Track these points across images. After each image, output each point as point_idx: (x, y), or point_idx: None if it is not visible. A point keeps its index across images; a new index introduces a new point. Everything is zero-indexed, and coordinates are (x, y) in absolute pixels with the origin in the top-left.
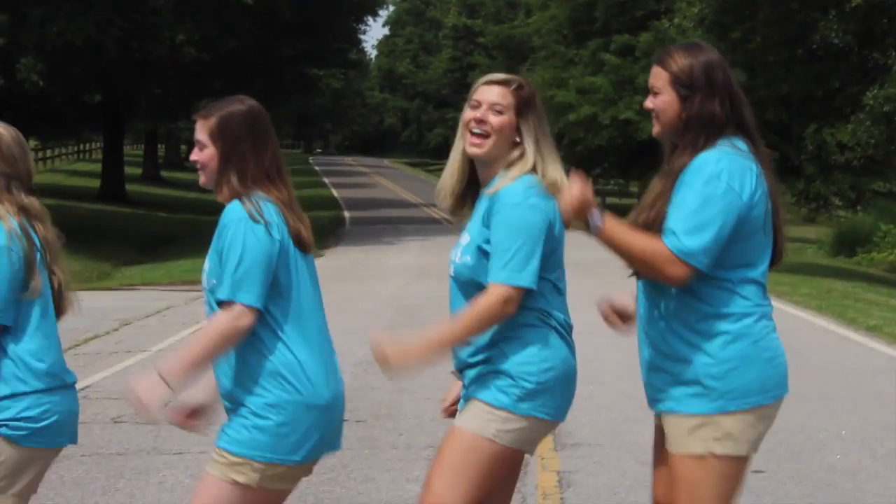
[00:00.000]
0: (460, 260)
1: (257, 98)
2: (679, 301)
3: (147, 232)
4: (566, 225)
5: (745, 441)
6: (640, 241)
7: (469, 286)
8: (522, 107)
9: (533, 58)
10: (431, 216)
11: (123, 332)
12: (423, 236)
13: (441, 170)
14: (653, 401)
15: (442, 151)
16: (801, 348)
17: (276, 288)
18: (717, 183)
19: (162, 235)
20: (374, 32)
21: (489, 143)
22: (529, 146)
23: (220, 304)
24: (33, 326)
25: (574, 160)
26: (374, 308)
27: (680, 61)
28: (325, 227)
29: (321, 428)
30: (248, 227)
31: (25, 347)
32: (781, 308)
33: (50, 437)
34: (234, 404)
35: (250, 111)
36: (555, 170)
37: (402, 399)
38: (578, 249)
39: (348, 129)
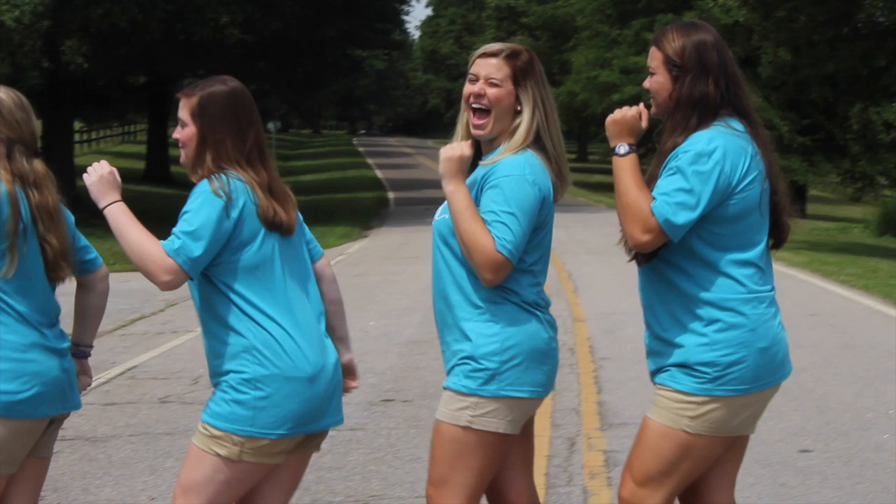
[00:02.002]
0: (440, 216)
1: (301, 79)
2: (676, 286)
3: None
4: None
5: (726, 424)
6: (634, 190)
7: (444, 245)
8: (519, 75)
9: (576, 38)
10: None
11: (169, 313)
12: None
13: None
14: (653, 375)
15: None
16: (847, 328)
17: (244, 267)
18: (707, 161)
19: None
20: (417, 13)
21: (490, 120)
22: (527, 114)
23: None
24: (14, 294)
25: None
26: (418, 288)
27: (673, 42)
28: (369, 208)
29: (303, 401)
30: (207, 197)
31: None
32: (828, 288)
33: (30, 408)
34: (216, 378)
35: (232, 92)
36: (554, 133)
37: None
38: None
39: (392, 111)
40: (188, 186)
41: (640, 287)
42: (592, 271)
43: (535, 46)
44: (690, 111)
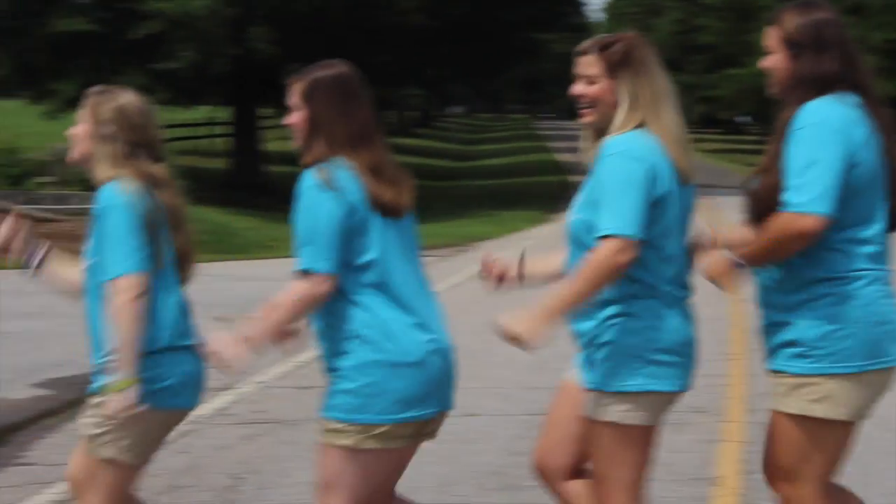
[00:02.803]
0: (573, 217)
1: (484, 64)
2: (789, 263)
3: None
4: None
5: (846, 405)
6: (765, 238)
7: (577, 245)
8: (613, 68)
9: (760, 19)
10: None
11: None
12: None
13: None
14: (766, 359)
15: None
16: None
17: (356, 253)
18: (822, 129)
19: None
20: None
21: (595, 112)
22: (622, 108)
23: (300, 274)
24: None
25: None
26: None
27: (791, 20)
28: (552, 191)
29: (415, 385)
30: (317, 195)
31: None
32: None
33: (167, 399)
34: (328, 371)
35: (339, 76)
36: (664, 120)
37: None
38: None
39: None
40: None
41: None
42: None
43: (718, 29)
44: (808, 89)
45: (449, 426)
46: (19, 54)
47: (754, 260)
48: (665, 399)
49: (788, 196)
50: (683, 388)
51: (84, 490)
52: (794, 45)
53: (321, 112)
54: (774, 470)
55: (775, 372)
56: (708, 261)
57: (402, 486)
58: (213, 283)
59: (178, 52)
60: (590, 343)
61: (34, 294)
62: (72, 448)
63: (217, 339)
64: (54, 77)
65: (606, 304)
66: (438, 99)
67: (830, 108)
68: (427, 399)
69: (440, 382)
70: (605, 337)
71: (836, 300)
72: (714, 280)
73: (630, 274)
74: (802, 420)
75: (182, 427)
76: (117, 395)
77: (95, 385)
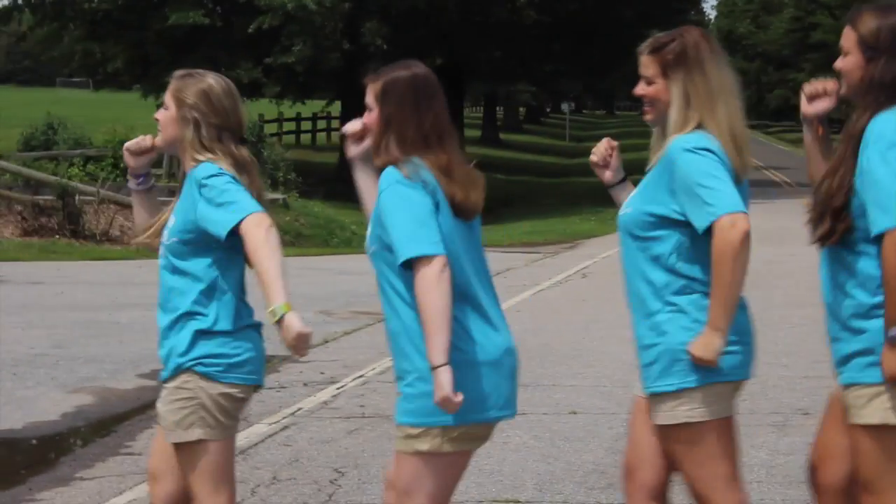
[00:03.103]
0: (624, 210)
1: (596, 61)
2: (859, 272)
3: (486, 194)
4: None
5: None
6: (889, 287)
7: (630, 238)
8: (666, 69)
9: None
10: (772, 179)
11: None
12: (764, 199)
13: (781, 132)
14: (836, 372)
15: (782, 113)
16: None
17: None
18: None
19: (500, 198)
20: None
21: (654, 111)
22: (673, 108)
23: (408, 264)
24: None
25: None
26: None
27: (868, 23)
28: None
29: (492, 384)
30: (404, 187)
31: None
32: None
33: (242, 374)
34: (401, 375)
35: (414, 77)
36: (721, 117)
37: None
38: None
39: None
40: (484, 167)
41: (823, 270)
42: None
43: (834, 27)
44: (881, 93)
45: (552, 424)
46: (134, 47)
47: None
48: (729, 388)
49: (881, 222)
50: (745, 377)
51: (193, 479)
52: (869, 49)
53: (394, 112)
54: (866, 486)
55: (849, 385)
56: (886, 363)
57: (505, 484)
58: (319, 277)
59: (292, 46)
60: (643, 346)
61: (144, 285)
62: None
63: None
64: (168, 70)
65: (652, 303)
66: (550, 95)
67: None
68: (503, 399)
69: (512, 382)
70: (656, 338)
71: None
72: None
73: (679, 271)
74: (883, 430)
75: (285, 420)
76: (288, 321)
77: (168, 370)
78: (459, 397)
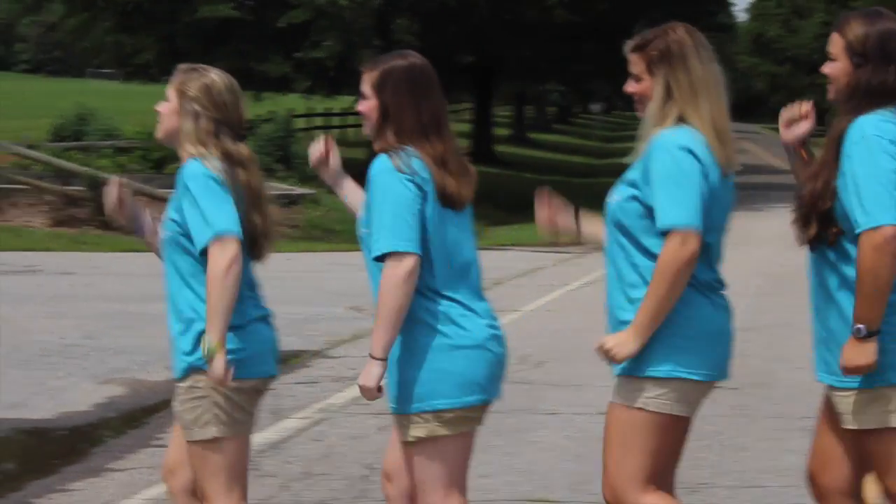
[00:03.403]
0: (612, 199)
1: (625, 61)
2: (847, 274)
3: (515, 192)
4: None
5: None
6: (862, 286)
7: (615, 227)
8: (651, 66)
9: None
10: None
11: (496, 292)
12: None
13: (814, 136)
14: (821, 373)
15: None
16: None
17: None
18: (880, 142)
19: (529, 197)
20: None
21: (644, 107)
22: (656, 101)
23: (382, 258)
24: None
25: None
26: (742, 275)
27: (856, 29)
28: None
29: (477, 368)
30: (392, 177)
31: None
32: None
33: (253, 367)
34: (391, 362)
35: (411, 66)
36: (703, 112)
37: (776, 367)
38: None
39: None
40: (513, 166)
41: (811, 272)
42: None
43: None
44: (865, 99)
45: (583, 424)
46: (164, 39)
47: (870, 310)
48: (695, 388)
49: (861, 217)
50: (714, 379)
51: (207, 478)
52: (856, 55)
53: (391, 102)
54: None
55: (840, 388)
56: (847, 356)
57: (537, 483)
58: (349, 273)
59: (322, 41)
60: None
61: None
62: None
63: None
64: (198, 62)
65: (638, 291)
66: (579, 95)
67: (884, 123)
68: (488, 383)
69: (499, 369)
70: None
71: None
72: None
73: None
74: (883, 433)
75: (317, 416)
76: (213, 363)
77: (181, 367)
78: (381, 393)
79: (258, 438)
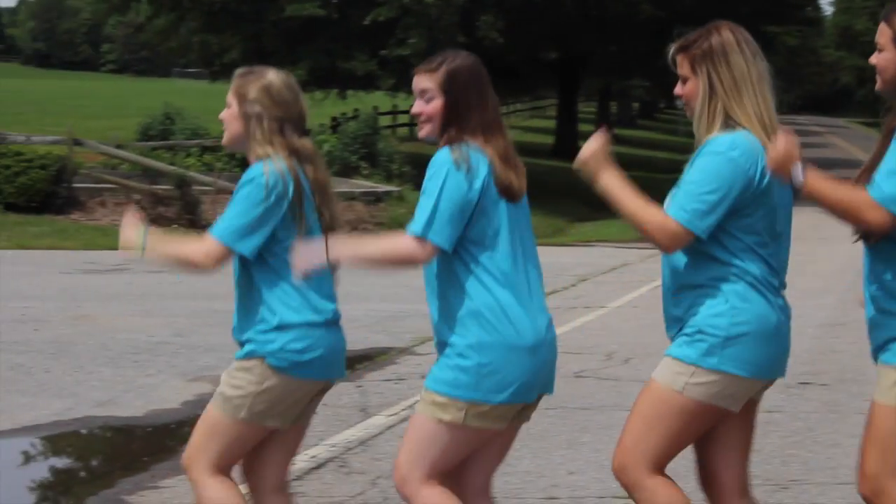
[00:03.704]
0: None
1: None
2: (893, 256)
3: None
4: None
5: None
6: (840, 192)
7: None
8: (695, 67)
9: None
10: None
11: (581, 288)
12: None
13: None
14: (874, 356)
15: None
16: None
17: (479, 234)
18: None
19: None
20: None
21: (692, 108)
22: (700, 99)
23: (413, 235)
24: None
25: None
26: (832, 270)
27: None
28: None
29: (525, 369)
30: (449, 171)
31: (284, 285)
32: None
33: (312, 370)
34: (440, 344)
35: (475, 65)
36: (748, 107)
37: (866, 363)
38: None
39: (801, 88)
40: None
41: (866, 264)
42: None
43: None
44: None
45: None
46: (250, 39)
47: (812, 197)
48: (740, 383)
49: (874, 186)
50: (762, 377)
51: (203, 434)
52: None
53: (461, 101)
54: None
55: (884, 364)
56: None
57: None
58: None
59: (407, 39)
60: (679, 328)
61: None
62: None
63: (306, 251)
64: (284, 61)
65: (694, 287)
66: (664, 91)
67: None
68: (534, 384)
69: (545, 369)
70: (690, 317)
71: None
72: (775, 164)
73: (719, 258)
74: None
75: (404, 413)
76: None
77: (242, 352)
78: (314, 265)
79: (346, 435)
